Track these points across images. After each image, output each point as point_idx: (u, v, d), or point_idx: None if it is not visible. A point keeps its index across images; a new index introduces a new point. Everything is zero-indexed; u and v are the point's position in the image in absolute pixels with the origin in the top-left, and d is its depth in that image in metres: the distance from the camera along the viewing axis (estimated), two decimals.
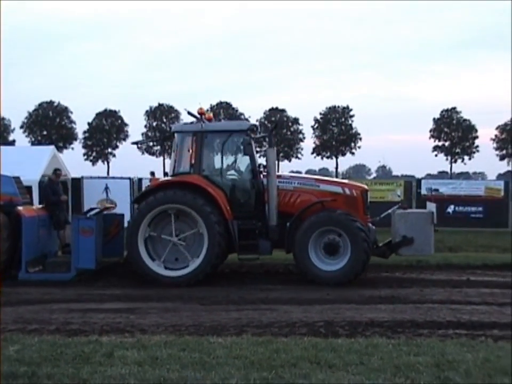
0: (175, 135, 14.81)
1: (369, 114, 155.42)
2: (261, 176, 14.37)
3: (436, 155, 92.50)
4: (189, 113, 14.76)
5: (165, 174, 15.45)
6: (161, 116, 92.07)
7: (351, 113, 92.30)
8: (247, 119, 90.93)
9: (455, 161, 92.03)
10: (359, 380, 6.73)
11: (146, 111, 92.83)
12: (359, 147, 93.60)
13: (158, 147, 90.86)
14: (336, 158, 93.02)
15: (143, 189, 14.39)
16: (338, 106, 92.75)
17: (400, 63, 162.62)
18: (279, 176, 14.35)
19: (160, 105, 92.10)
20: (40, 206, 16.66)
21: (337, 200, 14.06)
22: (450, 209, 27.35)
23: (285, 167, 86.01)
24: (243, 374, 6.93)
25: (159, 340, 8.51)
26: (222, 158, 14.78)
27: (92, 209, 16.49)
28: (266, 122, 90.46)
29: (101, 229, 14.62)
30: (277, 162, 14.24)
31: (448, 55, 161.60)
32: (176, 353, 7.73)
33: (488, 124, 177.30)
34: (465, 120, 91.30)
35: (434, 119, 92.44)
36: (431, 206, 15.21)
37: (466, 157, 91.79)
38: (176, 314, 10.66)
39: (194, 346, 8.10)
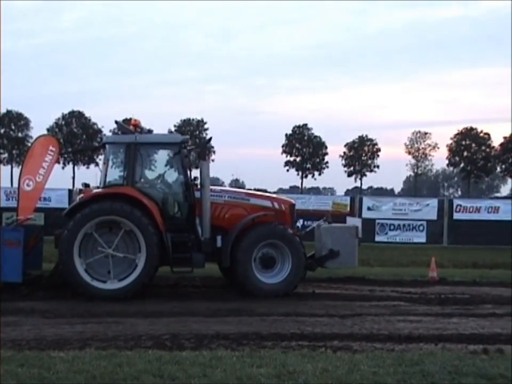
0: (107, 146, 14.56)
1: (223, 127, 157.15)
2: (192, 189, 14.27)
3: (288, 170, 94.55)
4: (120, 125, 14.51)
5: (86, 185, 15.00)
6: (9, 123, 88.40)
7: (206, 126, 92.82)
8: (100, 130, 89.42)
9: (306, 177, 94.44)
10: None
11: None
12: (212, 160, 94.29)
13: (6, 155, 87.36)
14: (190, 170, 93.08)
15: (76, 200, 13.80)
16: (193, 119, 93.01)
17: (253, 77, 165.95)
18: (209, 190, 14.26)
19: (9, 111, 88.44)
20: None
21: (268, 215, 14.31)
22: (300, 223, 28.03)
23: None
24: None
25: None
26: (154, 170, 14.80)
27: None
28: (119, 132, 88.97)
29: None
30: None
31: (298, 72, 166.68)
32: (13, 369, 7.42)
33: (336, 141, 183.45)
34: (315, 136, 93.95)
35: (286, 134, 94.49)
36: (356, 221, 15.71)
37: (316, 173, 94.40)
38: (16, 328, 10.26)
39: (34, 362, 7.82)
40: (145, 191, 14.06)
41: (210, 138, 14.59)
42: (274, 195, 16.30)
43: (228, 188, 15.70)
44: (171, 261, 13.68)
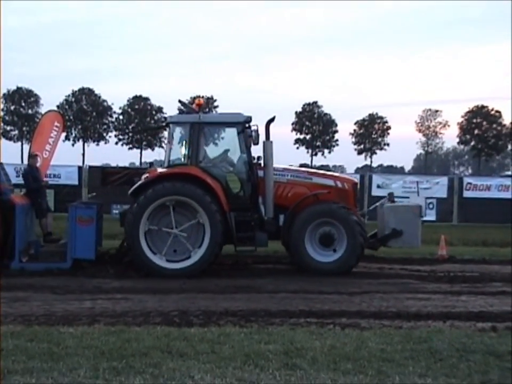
0: (170, 125, 14.57)
1: (230, 105, 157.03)
2: (256, 168, 14.29)
3: (298, 148, 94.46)
4: (184, 104, 14.45)
5: (150, 164, 15.02)
6: (19, 99, 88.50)
7: (215, 103, 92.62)
8: (110, 107, 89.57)
9: (316, 154, 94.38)
10: (209, 368, 6.78)
11: (4, 94, 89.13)
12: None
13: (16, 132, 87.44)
14: None
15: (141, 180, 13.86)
16: (203, 96, 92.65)
17: (260, 55, 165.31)
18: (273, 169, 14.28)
19: (19, 88, 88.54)
20: (22, 193, 15.76)
21: (331, 193, 14.32)
22: None
23: (148, 157, 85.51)
24: (92, 364, 6.82)
25: (6, 330, 8.21)
26: (218, 149, 14.86)
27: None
28: (129, 110, 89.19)
29: None
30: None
31: (307, 50, 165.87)
32: (23, 344, 7.51)
33: (347, 118, 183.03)
34: (325, 114, 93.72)
35: (296, 112, 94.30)
36: (419, 200, 15.63)
37: (326, 150, 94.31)
38: (26, 303, 10.34)
39: (43, 337, 7.89)
40: (209, 171, 14.07)
41: (274, 118, 14.32)
42: (337, 174, 16.27)
43: (290, 167, 15.55)
44: (235, 240, 13.75)
